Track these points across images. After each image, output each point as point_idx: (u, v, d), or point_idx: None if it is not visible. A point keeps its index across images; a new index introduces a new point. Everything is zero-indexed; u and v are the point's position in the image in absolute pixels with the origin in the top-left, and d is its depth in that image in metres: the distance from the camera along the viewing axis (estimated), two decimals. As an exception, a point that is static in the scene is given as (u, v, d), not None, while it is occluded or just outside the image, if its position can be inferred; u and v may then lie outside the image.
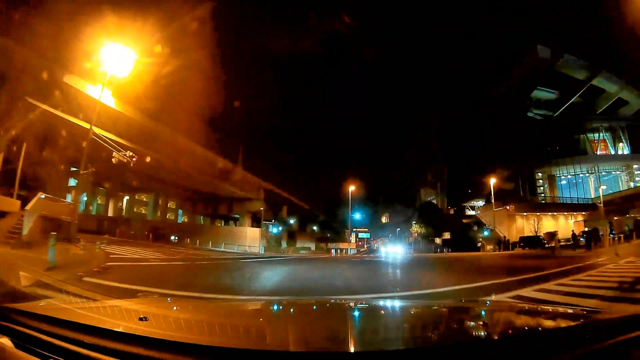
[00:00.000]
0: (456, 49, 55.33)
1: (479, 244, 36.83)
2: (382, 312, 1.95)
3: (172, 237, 32.25)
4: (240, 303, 2.74)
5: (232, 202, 37.72)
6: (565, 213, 39.35)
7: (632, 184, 39.37)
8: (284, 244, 39.54)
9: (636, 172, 40.70)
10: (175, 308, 1.80)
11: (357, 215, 37.18)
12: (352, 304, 2.28)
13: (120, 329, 0.99)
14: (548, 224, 37.41)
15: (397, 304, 2.54)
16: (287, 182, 43.65)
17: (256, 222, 37.55)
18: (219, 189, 33.79)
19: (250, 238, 35.27)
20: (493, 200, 33.72)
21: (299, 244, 43.22)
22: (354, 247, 41.02)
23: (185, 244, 29.47)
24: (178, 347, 0.83)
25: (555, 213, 39.20)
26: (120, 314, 1.35)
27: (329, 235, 53.13)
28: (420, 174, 59.00)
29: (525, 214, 38.10)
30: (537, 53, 40.40)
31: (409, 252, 36.19)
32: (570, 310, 1.50)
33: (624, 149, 41.49)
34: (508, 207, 32.13)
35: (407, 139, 64.05)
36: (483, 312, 1.75)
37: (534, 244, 28.88)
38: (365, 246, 53.64)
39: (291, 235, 42.82)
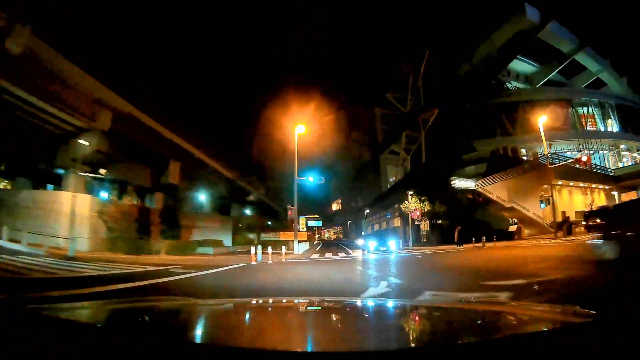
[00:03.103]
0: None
1: (512, 228, 23.13)
2: (376, 312, 1.80)
3: None
4: (243, 304, 2.12)
5: (48, 137, 16.78)
6: (593, 186, 30.09)
7: (620, 164, 37.24)
8: (164, 233, 19.10)
9: (623, 153, 39.56)
10: (176, 308, 1.73)
11: (311, 178, 19.73)
12: (349, 304, 2.07)
13: (123, 329, 0.99)
14: (578, 198, 28.57)
15: (393, 304, 2.29)
16: (188, 121, 24.23)
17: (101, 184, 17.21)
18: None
19: (72, 218, 15.01)
20: (547, 149, 19.87)
21: (198, 235, 22.88)
22: (305, 237, 22.98)
23: None
24: (177, 348, 0.85)
25: (585, 185, 29.29)
26: (122, 315, 1.41)
27: (268, 222, 33.49)
28: (388, 148, 47.78)
29: (560, 182, 26.62)
30: (524, 15, 35.39)
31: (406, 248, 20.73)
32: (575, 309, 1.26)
33: (613, 126, 40.06)
34: (584, 159, 18.22)
35: (371, 108, 52.91)
36: (485, 313, 1.55)
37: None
38: (316, 238, 36.34)
39: (172, 218, 21.23)
